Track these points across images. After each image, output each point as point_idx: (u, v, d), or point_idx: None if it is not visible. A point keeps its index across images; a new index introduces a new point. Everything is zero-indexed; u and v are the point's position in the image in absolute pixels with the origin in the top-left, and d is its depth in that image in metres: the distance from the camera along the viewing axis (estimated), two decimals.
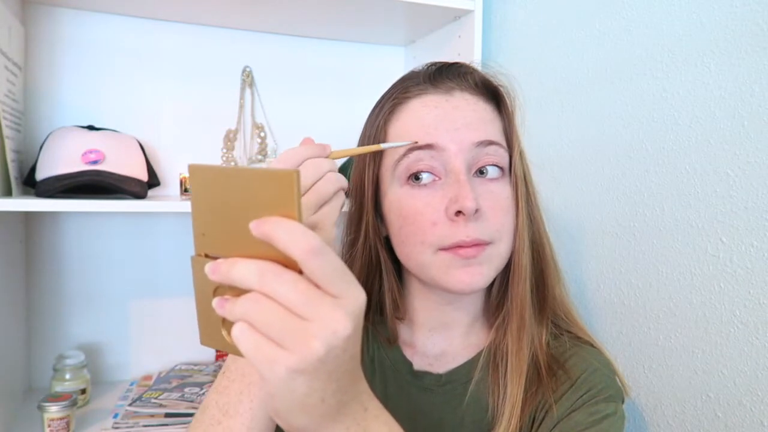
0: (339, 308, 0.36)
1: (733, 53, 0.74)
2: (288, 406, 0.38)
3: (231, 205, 0.38)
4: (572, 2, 1.02)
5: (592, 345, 0.70)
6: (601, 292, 0.95)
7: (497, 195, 0.63)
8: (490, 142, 0.63)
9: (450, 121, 0.62)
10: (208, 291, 0.41)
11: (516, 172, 0.65)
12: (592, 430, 0.59)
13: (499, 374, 0.66)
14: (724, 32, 0.75)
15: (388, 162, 0.65)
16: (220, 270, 0.38)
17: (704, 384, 0.78)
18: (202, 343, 0.44)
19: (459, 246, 0.60)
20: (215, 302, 0.39)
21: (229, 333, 0.41)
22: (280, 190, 0.36)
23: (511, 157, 0.65)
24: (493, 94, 0.67)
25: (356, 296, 0.38)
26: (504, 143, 0.65)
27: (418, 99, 0.64)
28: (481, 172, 0.63)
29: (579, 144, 1.00)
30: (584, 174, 0.98)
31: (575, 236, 1.00)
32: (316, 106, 1.45)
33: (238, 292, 0.38)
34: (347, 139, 1.51)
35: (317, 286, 0.37)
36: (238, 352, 0.39)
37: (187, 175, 1.15)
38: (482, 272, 0.62)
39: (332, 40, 1.45)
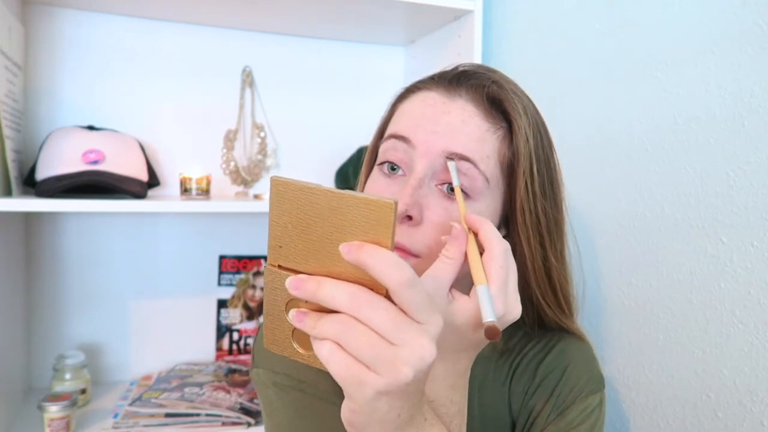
0: (425, 335, 0.39)
1: (733, 53, 0.74)
2: (367, 421, 0.41)
3: (314, 222, 0.39)
4: (572, 2, 1.03)
5: (575, 334, 0.70)
6: (601, 292, 0.95)
7: (448, 214, 0.57)
8: (464, 158, 0.57)
9: (433, 123, 0.58)
10: (280, 301, 0.43)
11: (517, 217, 0.59)
12: (585, 426, 0.63)
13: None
14: (724, 32, 0.75)
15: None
16: (305, 287, 0.39)
17: (704, 384, 0.78)
18: (267, 346, 0.45)
19: None
20: (293, 315, 0.40)
21: (299, 343, 0.43)
22: (377, 218, 0.38)
23: (513, 195, 0.59)
24: (503, 116, 0.60)
25: (437, 322, 0.40)
26: (490, 169, 0.58)
27: (424, 93, 0.62)
28: (450, 186, 0.58)
29: (579, 144, 1.00)
30: (584, 174, 0.98)
31: (575, 236, 1.00)
32: (316, 106, 1.45)
33: (315, 306, 0.40)
34: (348, 138, 1.51)
35: (404, 311, 0.39)
36: (307, 361, 0.42)
37: (187, 175, 1.15)
38: None
39: (332, 40, 1.45)
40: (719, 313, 0.76)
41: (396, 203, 0.37)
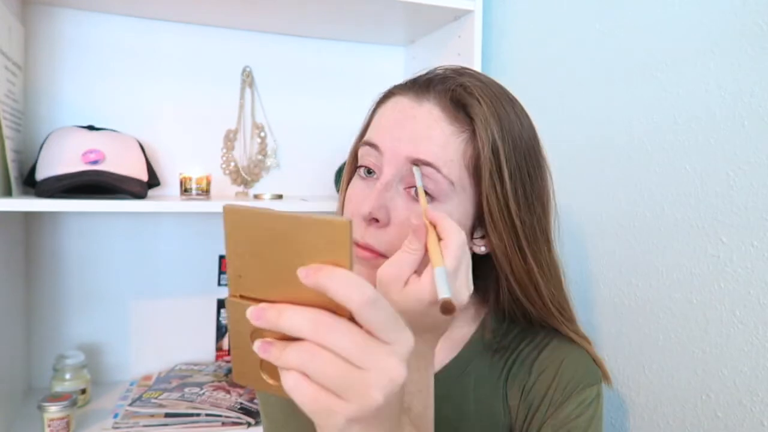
0: (394, 355, 0.37)
1: (733, 53, 0.74)
2: None
3: (272, 249, 0.38)
4: (572, 2, 1.03)
5: (566, 337, 0.70)
6: (601, 292, 0.95)
7: (415, 215, 0.59)
8: (426, 164, 0.59)
9: (400, 129, 0.61)
10: (245, 332, 0.41)
11: (485, 218, 0.61)
12: (583, 418, 0.63)
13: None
14: (724, 32, 0.75)
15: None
16: (266, 317, 0.38)
17: (704, 384, 0.78)
18: (236, 380, 0.44)
19: (356, 243, 0.61)
20: (258, 346, 0.39)
21: (269, 374, 0.41)
22: (333, 239, 0.36)
23: (481, 195, 0.61)
24: (469, 119, 0.61)
25: (407, 341, 0.39)
26: (454, 172, 0.60)
27: (396, 98, 0.65)
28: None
29: (579, 144, 1.00)
30: (584, 174, 0.98)
31: (575, 236, 1.00)
32: (316, 106, 1.45)
33: (280, 334, 0.38)
34: (348, 138, 1.51)
35: (369, 333, 0.37)
36: (277, 393, 0.40)
37: (187, 175, 1.15)
38: (372, 277, 0.61)
39: (332, 40, 1.45)
40: (719, 313, 0.76)
41: (351, 222, 0.36)
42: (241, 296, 0.40)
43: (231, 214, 0.38)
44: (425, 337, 0.55)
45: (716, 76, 0.76)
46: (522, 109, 0.66)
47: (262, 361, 0.40)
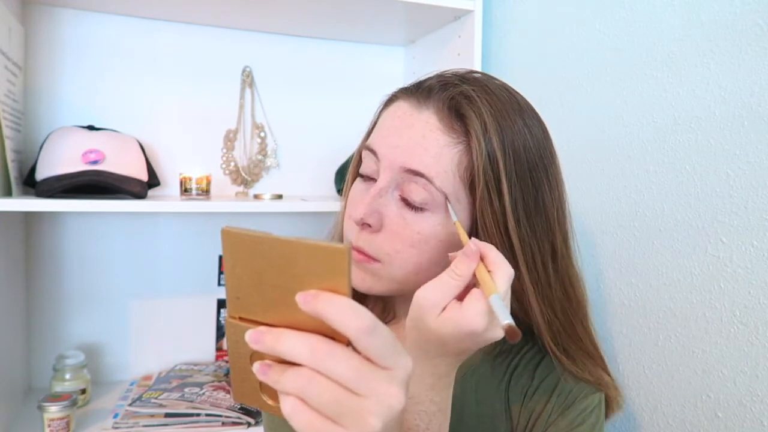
0: (392, 381, 0.38)
1: (733, 53, 0.74)
2: None
3: (270, 273, 0.38)
4: (572, 2, 1.03)
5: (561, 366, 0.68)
6: (601, 292, 0.95)
7: (406, 223, 0.59)
8: (419, 174, 0.58)
9: (397, 137, 0.60)
10: (244, 353, 0.41)
11: (479, 231, 0.59)
12: (585, 426, 0.63)
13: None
14: (724, 32, 0.75)
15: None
16: (263, 341, 0.38)
17: (704, 384, 0.78)
18: (236, 399, 0.44)
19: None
20: (257, 368, 0.39)
21: (268, 395, 0.42)
22: (331, 265, 0.36)
23: (475, 206, 0.59)
24: (464, 129, 0.59)
25: (405, 365, 0.39)
26: (448, 184, 0.58)
27: (398, 102, 0.63)
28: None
29: (579, 144, 1.00)
30: (584, 174, 0.98)
31: (575, 236, 1.00)
32: (316, 106, 1.45)
33: (279, 357, 0.38)
34: (348, 138, 1.52)
35: (368, 359, 0.37)
36: (277, 413, 0.40)
37: (187, 175, 1.15)
38: (365, 279, 0.62)
39: (332, 40, 1.45)
40: (719, 313, 0.76)
41: (349, 248, 0.36)
42: (240, 318, 0.40)
43: (229, 237, 0.38)
44: (450, 360, 0.54)
45: (716, 76, 0.76)
46: (534, 118, 0.63)
47: (261, 381, 0.41)
